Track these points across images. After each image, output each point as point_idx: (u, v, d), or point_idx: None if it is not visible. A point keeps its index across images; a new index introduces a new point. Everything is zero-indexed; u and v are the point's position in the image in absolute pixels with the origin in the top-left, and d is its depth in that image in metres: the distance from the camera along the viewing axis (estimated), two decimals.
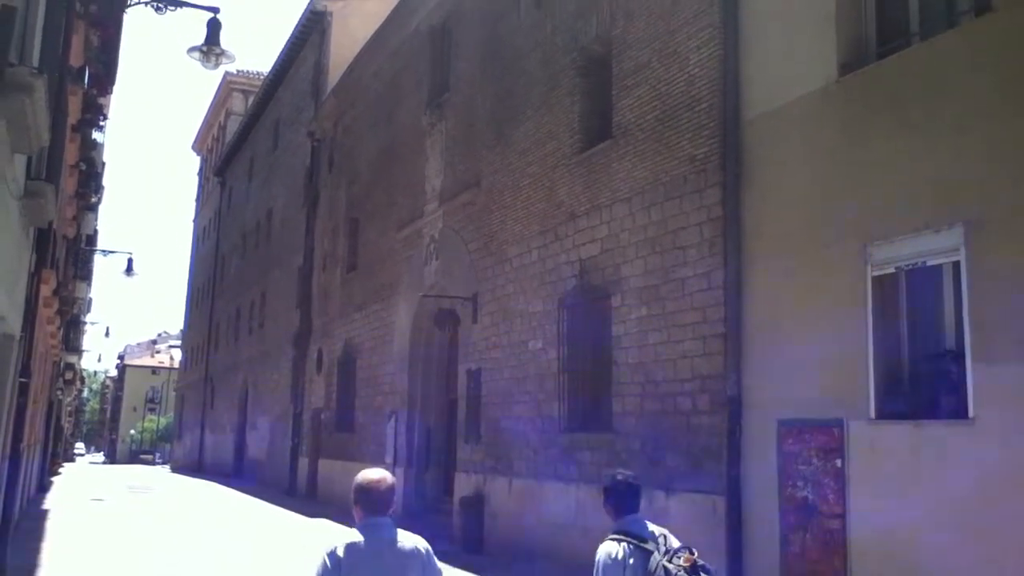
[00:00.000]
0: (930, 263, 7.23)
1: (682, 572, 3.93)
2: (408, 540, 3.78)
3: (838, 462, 7.69)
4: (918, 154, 7.28)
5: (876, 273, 7.59)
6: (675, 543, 4.15)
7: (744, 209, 9.10)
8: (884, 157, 7.55)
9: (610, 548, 4.08)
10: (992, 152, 6.70)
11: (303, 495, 23.29)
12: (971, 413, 6.64)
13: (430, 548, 3.82)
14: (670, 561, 3.98)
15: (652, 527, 4.22)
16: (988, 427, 6.50)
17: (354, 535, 3.67)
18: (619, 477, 4.39)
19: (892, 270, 7.52)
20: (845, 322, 7.74)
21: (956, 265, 6.98)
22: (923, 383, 7.33)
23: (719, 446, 9.02)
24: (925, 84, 7.31)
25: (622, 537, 4.13)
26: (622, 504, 4.31)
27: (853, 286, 7.69)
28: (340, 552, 3.58)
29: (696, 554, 4.03)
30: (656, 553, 4.03)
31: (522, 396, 12.96)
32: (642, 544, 4.08)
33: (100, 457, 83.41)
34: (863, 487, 7.48)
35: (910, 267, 7.39)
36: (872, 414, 7.45)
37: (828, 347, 7.87)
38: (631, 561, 4.03)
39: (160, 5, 9.14)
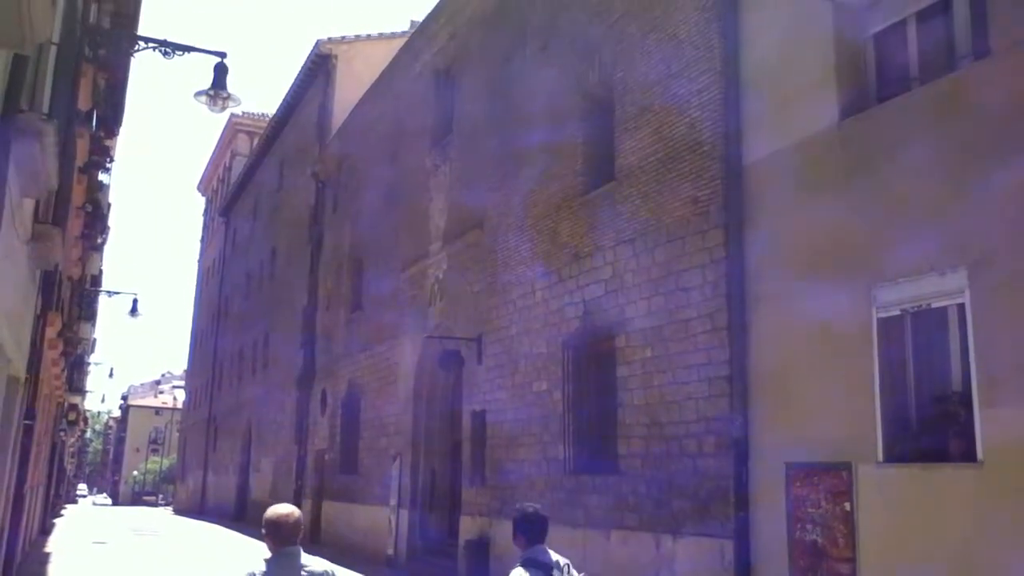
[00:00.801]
0: (935, 305, 7.23)
1: None
2: (317, 564, 4.30)
3: (847, 505, 7.63)
4: (921, 196, 7.30)
5: (881, 315, 7.58)
6: (576, 573, 4.76)
7: (747, 251, 9.12)
8: (887, 199, 7.58)
9: (522, 575, 4.52)
10: (994, 194, 6.72)
11: (306, 539, 23.06)
12: (980, 456, 6.60)
13: (336, 571, 4.40)
14: None
15: (556, 556, 4.71)
16: (997, 470, 6.46)
17: (268, 561, 4.19)
18: (529, 510, 4.85)
19: (897, 312, 7.51)
20: (851, 364, 7.71)
21: (961, 307, 6.97)
22: (931, 426, 7.27)
23: (726, 489, 8.95)
24: (926, 127, 7.36)
25: (531, 565, 4.59)
26: (531, 535, 4.75)
27: (858, 328, 7.68)
28: (258, 574, 4.11)
29: None
30: None
31: (527, 438, 12.90)
32: (548, 570, 4.61)
33: (107, 500, 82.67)
34: (873, 530, 7.41)
35: (915, 309, 7.39)
36: (880, 457, 7.40)
37: (835, 389, 7.84)
38: None
39: (167, 50, 9.23)
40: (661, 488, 9.93)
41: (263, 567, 4.13)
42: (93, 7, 11.06)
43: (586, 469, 11.60)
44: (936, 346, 7.38)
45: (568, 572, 4.66)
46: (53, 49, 7.18)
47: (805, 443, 8.10)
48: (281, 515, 4.26)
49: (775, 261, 8.79)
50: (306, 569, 4.21)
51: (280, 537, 4.22)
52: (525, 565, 4.56)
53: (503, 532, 13.18)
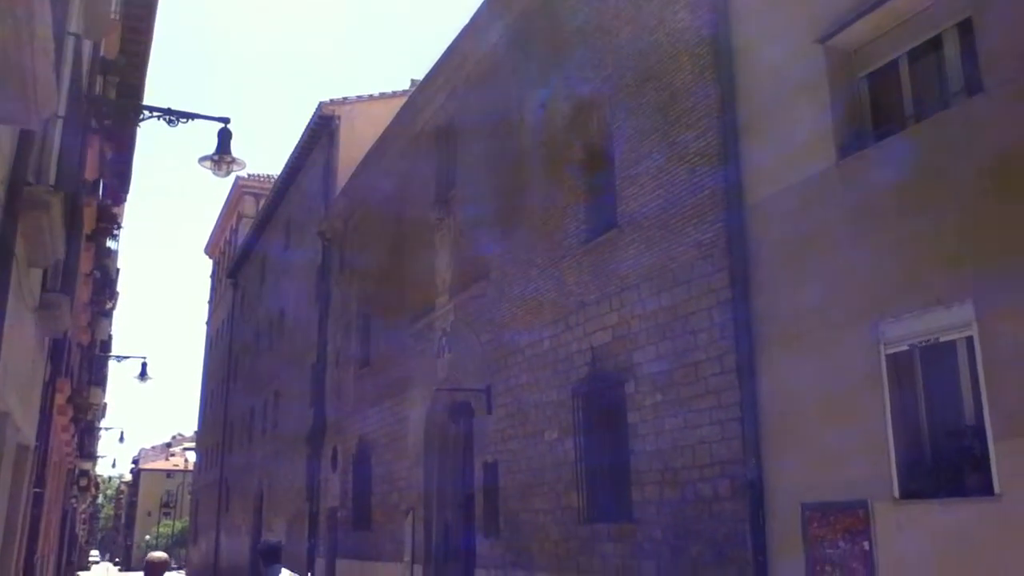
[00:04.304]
0: (943, 339, 7.22)
1: None
2: None
3: (865, 544, 7.54)
4: (923, 231, 7.34)
5: (890, 351, 7.56)
6: None
7: (753, 292, 9.13)
8: (889, 235, 7.62)
9: None
10: (994, 227, 6.76)
11: None
12: (996, 490, 6.54)
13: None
14: None
15: (286, 573, 7.00)
16: (1014, 503, 6.39)
17: None
18: (272, 541, 7.42)
19: (906, 347, 7.50)
20: (862, 401, 7.68)
21: (969, 340, 6.96)
22: (946, 460, 7.23)
23: (743, 533, 8.85)
24: (924, 163, 7.42)
25: None
26: (267, 559, 7.02)
27: (867, 364, 7.66)
28: None
29: None
30: None
31: (540, 488, 12.79)
32: None
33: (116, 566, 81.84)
34: (892, 568, 7.32)
35: (923, 344, 7.37)
36: (896, 494, 7.33)
37: (847, 426, 7.79)
38: None
39: (172, 118, 9.39)
40: (677, 534, 9.82)
41: None
42: (98, 79, 11.29)
43: (601, 517, 11.48)
44: (947, 380, 7.35)
45: None
46: (59, 122, 7.32)
47: (820, 483, 8.03)
48: (153, 557, 7.26)
49: (782, 301, 8.80)
50: None
51: (151, 572, 7.06)
52: None
53: None
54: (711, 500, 9.38)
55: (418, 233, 18.57)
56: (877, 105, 8.41)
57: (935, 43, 7.88)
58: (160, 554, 7.44)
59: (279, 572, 6.89)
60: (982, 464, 6.74)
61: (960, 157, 7.12)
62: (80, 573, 48.14)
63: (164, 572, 7.14)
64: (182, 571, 49.99)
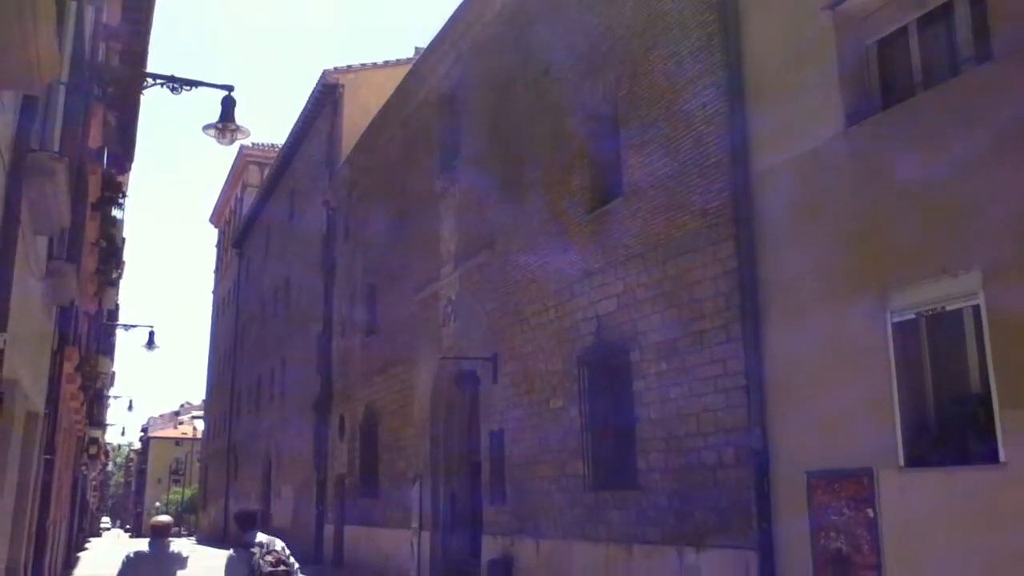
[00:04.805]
0: (950, 308, 7.19)
1: (268, 566, 6.61)
2: (178, 547, 7.32)
3: (870, 512, 7.57)
4: (930, 200, 7.29)
5: (896, 319, 7.55)
6: (277, 546, 6.86)
7: (759, 261, 9.10)
8: (897, 204, 7.57)
9: (229, 552, 6.93)
10: (1002, 196, 6.71)
11: (330, 563, 23.04)
12: (1002, 458, 6.55)
13: (276, 542, 6.91)
14: (262, 559, 6.64)
15: (262, 537, 6.95)
16: (1019, 471, 6.40)
17: (149, 545, 7.24)
18: (250, 508, 7.73)
19: (912, 316, 7.47)
20: (868, 369, 7.68)
21: (976, 309, 6.94)
22: (952, 429, 7.23)
23: (748, 500, 8.89)
24: (932, 132, 7.35)
25: (238, 546, 6.92)
26: (244, 525, 7.16)
27: (874, 333, 7.64)
28: (131, 555, 7.10)
29: (283, 555, 6.79)
30: (257, 552, 6.72)
31: (545, 455, 12.87)
32: (249, 548, 6.78)
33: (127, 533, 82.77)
34: (897, 536, 7.35)
35: (930, 312, 7.35)
36: (902, 462, 7.35)
37: (853, 395, 7.80)
38: (236, 556, 6.76)
39: (175, 86, 9.32)
40: (682, 501, 9.88)
41: (139, 549, 7.22)
42: (101, 46, 11.22)
43: (606, 485, 11.55)
44: (953, 349, 7.35)
45: (269, 546, 6.79)
46: (62, 89, 7.28)
47: (825, 451, 8.05)
48: (157, 521, 7.60)
49: (788, 269, 8.77)
50: (168, 551, 7.17)
51: (155, 532, 7.37)
52: (235, 547, 6.95)
53: (525, 550, 13.13)
54: (716, 467, 9.43)
55: (423, 201, 18.53)
56: (885, 72, 8.32)
57: (945, 10, 7.77)
58: (164, 517, 7.82)
59: (256, 536, 7.15)
60: (987, 432, 6.74)
61: (968, 125, 7.04)
62: (92, 539, 48.72)
63: (168, 534, 7.46)
64: (192, 537, 50.51)
